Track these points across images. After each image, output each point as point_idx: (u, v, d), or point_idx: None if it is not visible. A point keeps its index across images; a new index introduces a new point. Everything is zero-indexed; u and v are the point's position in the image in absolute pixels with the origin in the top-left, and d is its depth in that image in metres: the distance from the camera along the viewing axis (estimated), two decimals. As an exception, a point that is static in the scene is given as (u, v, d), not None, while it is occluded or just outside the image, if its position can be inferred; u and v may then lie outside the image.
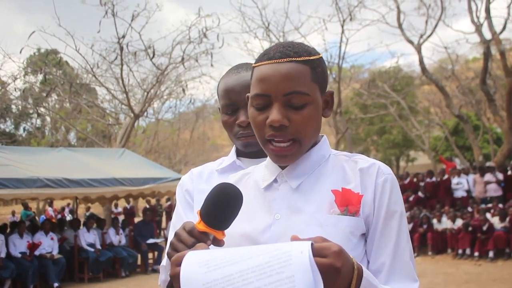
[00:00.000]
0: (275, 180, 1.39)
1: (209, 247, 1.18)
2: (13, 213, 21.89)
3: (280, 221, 1.32)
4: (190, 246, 1.19)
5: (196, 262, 1.05)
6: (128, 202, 19.18)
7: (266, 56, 1.33)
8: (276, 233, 1.30)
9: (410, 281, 1.30)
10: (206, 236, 1.21)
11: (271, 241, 1.29)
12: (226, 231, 1.25)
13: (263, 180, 1.41)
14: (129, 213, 19.42)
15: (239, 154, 1.88)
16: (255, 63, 1.36)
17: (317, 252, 1.04)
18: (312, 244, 1.03)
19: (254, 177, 1.45)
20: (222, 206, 1.21)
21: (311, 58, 1.32)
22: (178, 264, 1.08)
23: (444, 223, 13.58)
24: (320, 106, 1.36)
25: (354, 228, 1.29)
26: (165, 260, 1.49)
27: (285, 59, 1.29)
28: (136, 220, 16.98)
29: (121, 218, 17.28)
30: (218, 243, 1.23)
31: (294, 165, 1.38)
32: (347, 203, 1.29)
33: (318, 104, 1.34)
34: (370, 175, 1.34)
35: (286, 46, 1.33)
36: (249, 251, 1.03)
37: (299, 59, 1.30)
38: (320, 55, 1.37)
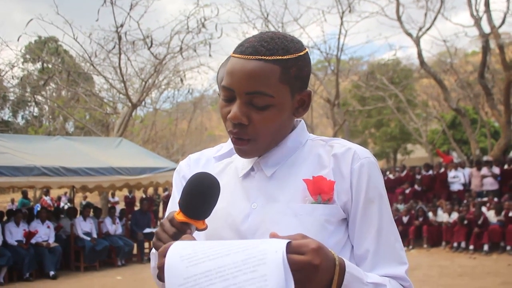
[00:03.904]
0: (252, 169, 1.38)
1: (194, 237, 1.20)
2: (12, 201, 21.95)
3: (257, 210, 1.31)
4: (172, 236, 1.20)
5: (179, 256, 1.07)
6: (130, 192, 19.21)
7: (239, 49, 1.29)
8: (254, 223, 1.30)
9: (397, 265, 1.29)
10: (187, 226, 1.21)
11: (250, 231, 1.30)
12: (210, 221, 1.26)
13: (242, 169, 1.40)
14: (130, 202, 19.45)
15: None
16: (232, 52, 1.33)
17: (294, 250, 1.03)
18: (290, 242, 1.04)
19: (235, 165, 1.45)
20: (199, 196, 1.22)
21: (285, 57, 1.26)
22: (164, 255, 1.09)
23: (440, 216, 13.64)
24: (288, 107, 1.31)
25: (330, 216, 1.28)
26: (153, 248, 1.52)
27: (253, 57, 1.25)
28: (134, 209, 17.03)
29: (120, 207, 17.32)
30: (199, 231, 1.24)
31: (270, 153, 1.37)
32: (319, 191, 1.28)
33: (284, 105, 1.29)
34: (345, 161, 1.31)
35: (263, 40, 1.28)
36: (228, 247, 1.05)
37: (269, 58, 1.25)
38: (302, 52, 1.31)
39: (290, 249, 1.03)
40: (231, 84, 1.28)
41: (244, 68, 1.25)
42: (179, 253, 1.08)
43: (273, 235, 1.07)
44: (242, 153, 1.34)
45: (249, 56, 1.26)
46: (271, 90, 1.26)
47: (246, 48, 1.27)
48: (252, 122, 1.28)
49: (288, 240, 1.04)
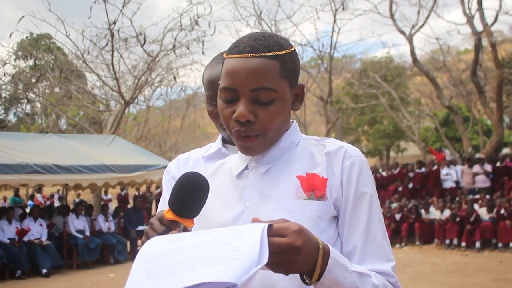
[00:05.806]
0: (246, 167, 1.41)
1: None
2: (4, 199, 21.84)
3: (250, 208, 1.34)
4: (161, 234, 1.22)
5: (159, 239, 1.10)
6: (122, 189, 19.16)
7: (236, 49, 1.32)
8: (247, 221, 1.29)
9: (384, 262, 1.31)
10: (176, 224, 1.24)
11: None
12: (204, 222, 1.28)
13: (235, 168, 1.43)
14: (123, 199, 19.40)
15: (225, 141, 1.90)
16: (226, 54, 1.36)
17: (276, 232, 1.05)
18: (271, 225, 1.06)
19: (229, 166, 1.47)
20: (187, 195, 1.24)
21: (282, 52, 1.31)
22: None
23: (432, 214, 13.70)
24: (289, 101, 1.36)
25: (322, 212, 1.30)
26: None
27: (254, 54, 1.29)
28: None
29: (113, 205, 17.25)
30: (187, 231, 1.25)
31: (264, 152, 1.39)
32: (313, 187, 1.30)
33: (286, 99, 1.34)
34: (337, 159, 1.35)
35: (257, 39, 1.32)
36: (210, 230, 1.08)
37: (269, 54, 1.30)
38: (293, 48, 1.36)
39: (272, 232, 1.05)
40: (233, 84, 1.30)
41: (247, 66, 1.29)
42: (160, 238, 1.11)
43: (255, 220, 1.10)
44: (248, 150, 1.36)
45: (249, 54, 1.29)
46: (274, 85, 1.30)
47: (244, 48, 1.31)
48: (259, 118, 1.31)
49: (269, 223, 1.06)
